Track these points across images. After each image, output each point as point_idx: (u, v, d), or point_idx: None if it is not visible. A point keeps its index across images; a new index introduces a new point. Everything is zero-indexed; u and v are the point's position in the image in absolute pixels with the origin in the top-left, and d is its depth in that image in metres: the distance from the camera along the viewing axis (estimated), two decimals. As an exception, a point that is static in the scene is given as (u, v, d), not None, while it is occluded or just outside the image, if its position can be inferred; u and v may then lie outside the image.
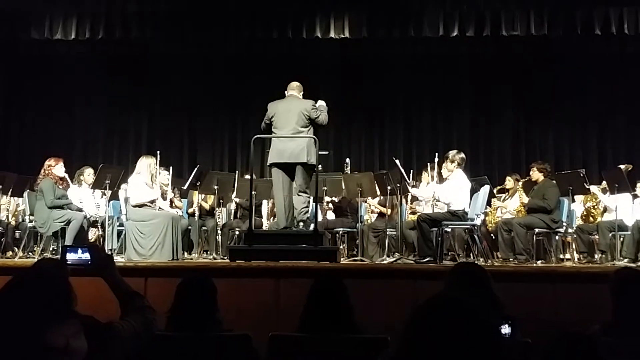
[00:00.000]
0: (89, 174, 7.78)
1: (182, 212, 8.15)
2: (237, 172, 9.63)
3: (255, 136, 6.83)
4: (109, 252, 7.10)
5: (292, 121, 6.60)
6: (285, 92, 6.90)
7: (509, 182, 8.36)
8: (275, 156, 6.69)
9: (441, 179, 7.28)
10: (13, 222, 8.33)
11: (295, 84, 6.90)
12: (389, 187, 7.49)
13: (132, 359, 2.44)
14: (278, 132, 6.69)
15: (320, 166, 7.04)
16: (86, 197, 7.66)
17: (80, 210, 7.31)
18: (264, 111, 6.85)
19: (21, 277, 2.11)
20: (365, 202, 8.43)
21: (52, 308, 2.03)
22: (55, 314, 2.03)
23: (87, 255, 2.40)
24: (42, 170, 7.29)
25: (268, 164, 6.90)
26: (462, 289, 2.84)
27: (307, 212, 6.70)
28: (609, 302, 2.99)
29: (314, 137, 6.55)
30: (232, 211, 8.79)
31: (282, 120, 6.65)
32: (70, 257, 2.40)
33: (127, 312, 2.35)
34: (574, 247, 7.87)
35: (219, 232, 8.21)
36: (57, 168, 7.30)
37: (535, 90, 10.87)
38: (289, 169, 6.67)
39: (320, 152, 6.71)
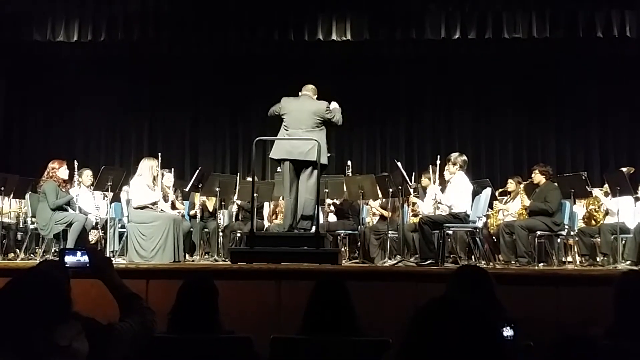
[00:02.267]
0: (87, 176, 7.79)
1: (184, 214, 8.15)
2: (238, 174, 9.61)
3: (257, 138, 6.83)
4: (110, 254, 7.14)
5: (305, 122, 6.55)
6: (299, 92, 6.84)
7: (511, 185, 8.36)
8: (282, 153, 6.62)
9: (443, 182, 7.28)
10: (14, 223, 8.34)
11: (310, 86, 6.84)
12: (390, 190, 7.48)
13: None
14: (289, 129, 6.61)
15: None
16: (85, 199, 7.66)
17: (85, 213, 7.31)
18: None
19: (20, 279, 2.11)
20: (367, 204, 8.42)
21: (52, 310, 2.03)
22: (56, 316, 2.03)
23: (85, 258, 2.41)
24: (46, 173, 7.30)
25: (276, 159, 6.76)
26: (465, 291, 2.83)
27: (313, 210, 6.61)
28: (611, 305, 2.98)
29: (315, 139, 6.45)
30: (234, 213, 8.80)
31: (295, 119, 6.59)
32: (69, 259, 2.40)
33: (127, 313, 2.35)
34: (575, 249, 7.86)
35: (221, 234, 8.21)
36: (61, 170, 7.30)
37: (537, 93, 10.86)
38: (296, 165, 6.61)
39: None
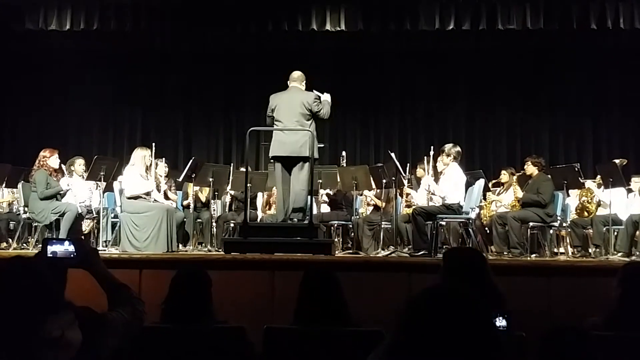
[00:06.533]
0: (79, 164, 7.74)
1: (177, 205, 8.13)
2: (232, 164, 9.60)
3: (251, 129, 6.82)
4: (103, 244, 7.13)
5: (295, 114, 6.54)
6: (288, 82, 6.82)
7: (504, 176, 8.37)
8: (276, 149, 6.64)
9: (436, 173, 7.29)
10: (7, 213, 8.31)
11: (297, 74, 6.81)
12: (384, 180, 7.49)
13: (124, 350, 2.44)
14: (280, 124, 6.61)
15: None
16: (77, 187, 7.62)
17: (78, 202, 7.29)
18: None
19: (2, 270, 2.10)
20: (361, 194, 8.43)
21: (39, 301, 2.02)
22: (44, 307, 2.02)
23: (71, 248, 2.38)
24: (37, 162, 7.26)
25: (270, 156, 6.83)
26: (458, 276, 2.83)
27: (304, 202, 6.64)
28: (613, 295, 2.99)
29: (309, 130, 6.50)
30: (227, 203, 8.79)
31: (285, 113, 6.59)
32: (55, 249, 2.38)
33: (116, 303, 2.34)
34: (568, 241, 7.89)
35: (214, 224, 8.21)
36: (52, 159, 7.26)
37: (531, 84, 10.87)
38: (289, 161, 6.62)
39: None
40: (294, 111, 6.56)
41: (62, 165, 7.47)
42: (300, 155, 6.50)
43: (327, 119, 6.80)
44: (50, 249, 2.37)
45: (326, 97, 6.72)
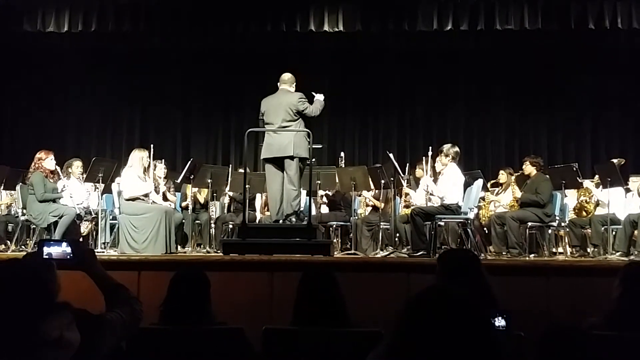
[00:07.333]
0: (77, 167, 7.74)
1: (176, 206, 8.13)
2: (230, 165, 9.61)
3: (249, 130, 6.89)
4: (101, 246, 7.12)
5: (280, 115, 6.68)
6: (278, 84, 6.92)
7: (502, 176, 8.38)
8: (266, 151, 6.79)
9: (435, 173, 7.30)
10: (5, 215, 8.30)
11: (286, 76, 6.92)
12: (382, 181, 7.49)
13: (124, 351, 2.43)
14: (269, 127, 6.77)
15: (314, 159, 7.06)
16: (75, 189, 7.62)
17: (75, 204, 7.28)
18: (259, 105, 6.91)
19: (3, 272, 2.10)
20: (360, 195, 8.43)
21: (35, 302, 2.02)
22: (39, 308, 2.02)
23: (68, 249, 2.38)
24: (33, 164, 7.24)
25: (261, 158, 6.98)
26: (453, 278, 2.84)
27: (297, 204, 6.71)
28: (602, 295, 3.00)
29: (306, 130, 6.60)
30: (226, 205, 8.79)
31: (272, 115, 6.75)
32: (52, 250, 2.37)
33: (113, 304, 2.35)
34: (566, 240, 7.90)
35: (213, 225, 8.20)
36: (47, 161, 7.24)
37: (529, 84, 10.87)
38: (279, 162, 6.73)
39: (314, 146, 6.73)
40: (281, 113, 6.69)
41: (58, 168, 7.47)
42: (285, 154, 6.61)
43: (316, 116, 6.82)
44: (46, 250, 2.36)
45: (319, 97, 6.83)
